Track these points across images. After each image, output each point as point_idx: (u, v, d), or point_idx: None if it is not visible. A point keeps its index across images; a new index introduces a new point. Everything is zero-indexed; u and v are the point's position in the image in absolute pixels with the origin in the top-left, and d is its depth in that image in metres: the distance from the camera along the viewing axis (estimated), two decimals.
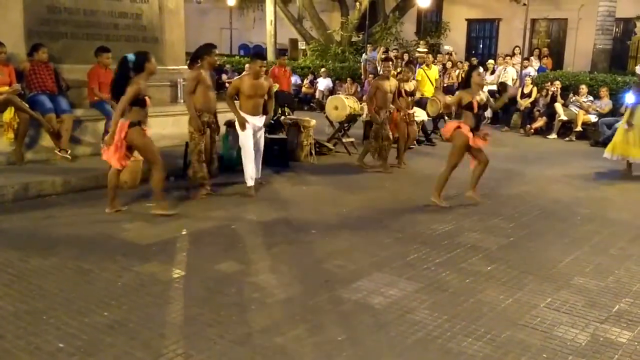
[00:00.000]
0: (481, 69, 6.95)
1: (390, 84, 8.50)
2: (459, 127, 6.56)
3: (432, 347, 3.57)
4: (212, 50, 6.72)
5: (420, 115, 10.88)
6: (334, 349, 3.52)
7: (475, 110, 6.52)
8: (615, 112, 12.18)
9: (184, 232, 5.56)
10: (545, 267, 4.96)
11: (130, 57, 5.81)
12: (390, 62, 8.84)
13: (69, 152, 7.52)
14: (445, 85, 15.26)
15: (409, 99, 9.07)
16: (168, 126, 8.80)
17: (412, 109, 9.19)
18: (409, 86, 9.07)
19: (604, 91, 12.62)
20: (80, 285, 4.29)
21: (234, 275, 4.58)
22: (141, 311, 3.89)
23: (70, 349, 3.38)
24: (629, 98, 11.85)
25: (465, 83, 6.75)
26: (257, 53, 7.94)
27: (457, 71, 15.91)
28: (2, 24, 7.63)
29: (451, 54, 17.49)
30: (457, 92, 6.80)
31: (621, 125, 8.94)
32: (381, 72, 9.31)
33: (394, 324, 3.84)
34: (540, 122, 13.34)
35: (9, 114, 7.07)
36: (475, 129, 6.57)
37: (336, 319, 3.92)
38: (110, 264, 4.68)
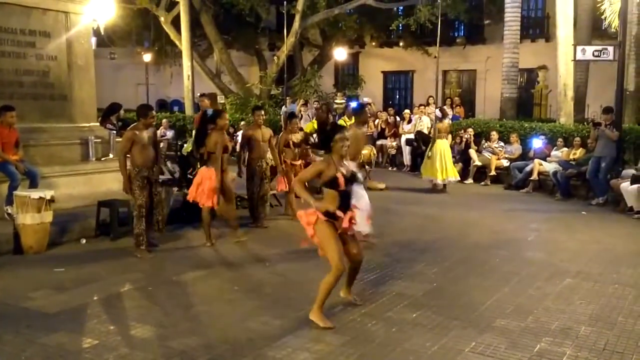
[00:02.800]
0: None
1: (263, 133, 8.25)
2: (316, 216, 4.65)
3: None
4: (148, 112, 6.74)
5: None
6: None
7: (342, 186, 4.62)
8: (525, 156, 12.78)
9: (95, 298, 5.22)
10: (468, 311, 4.97)
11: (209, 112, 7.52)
12: (263, 112, 8.57)
13: None
14: (366, 135, 15.55)
15: (296, 150, 8.93)
16: (79, 185, 8.40)
17: (298, 160, 8.98)
18: (296, 137, 8.99)
19: (514, 137, 13.22)
20: None
21: (151, 340, 4.31)
22: None
23: None
24: (536, 143, 12.56)
25: (323, 145, 4.78)
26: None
27: (377, 121, 16.31)
28: None
29: (370, 105, 17.94)
30: (313, 163, 5.08)
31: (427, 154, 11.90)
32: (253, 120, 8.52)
33: None
34: (456, 168, 13.75)
35: None
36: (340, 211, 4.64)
37: None
38: (12, 337, 4.32)
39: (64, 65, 8.83)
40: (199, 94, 10.43)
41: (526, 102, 19.83)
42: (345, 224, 4.65)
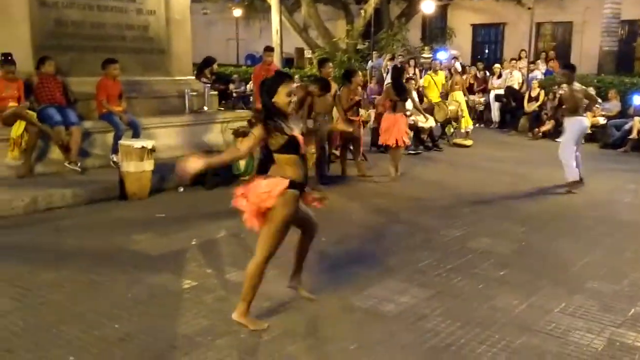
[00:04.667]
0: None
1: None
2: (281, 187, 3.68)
3: (445, 354, 3.52)
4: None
5: (428, 121, 10.85)
6: (345, 358, 3.48)
7: (302, 149, 3.80)
8: (624, 113, 12.11)
9: (193, 243, 5.54)
10: (558, 271, 4.90)
11: None
12: (331, 64, 8.81)
13: (79, 164, 7.54)
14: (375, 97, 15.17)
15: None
16: (176, 136, 8.82)
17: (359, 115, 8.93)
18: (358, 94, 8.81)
19: (612, 93, 12.55)
20: (90, 297, 4.27)
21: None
22: (152, 323, 3.87)
23: None
24: (637, 100, 11.84)
25: (267, 113, 3.71)
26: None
27: (465, 76, 15.88)
28: (10, 38, 7.68)
29: (457, 59, 17.46)
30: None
31: None
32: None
33: (406, 331, 3.80)
34: (548, 126, 13.21)
35: (17, 129, 7.10)
36: (301, 185, 3.80)
37: (347, 327, 3.88)
38: (120, 276, 4.67)
39: (162, 20, 9.17)
40: (264, 47, 10.50)
41: (627, 56, 18.62)
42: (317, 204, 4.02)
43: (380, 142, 8.92)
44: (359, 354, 3.52)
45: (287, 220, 3.73)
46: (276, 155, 3.74)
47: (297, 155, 3.74)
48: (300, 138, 3.77)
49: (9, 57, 7.32)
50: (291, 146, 3.69)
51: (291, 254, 4.23)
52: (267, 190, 3.63)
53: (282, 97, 3.67)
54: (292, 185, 3.68)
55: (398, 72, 8.98)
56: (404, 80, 9.08)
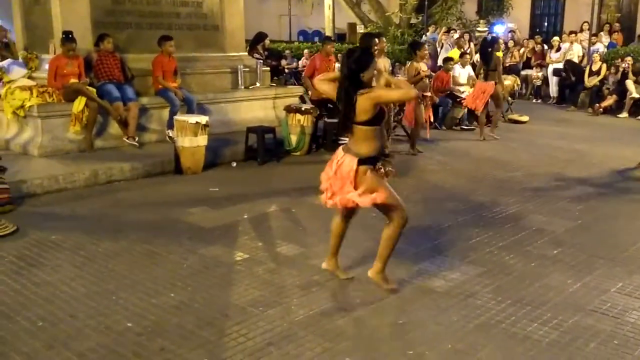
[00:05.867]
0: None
1: (384, 63, 7.71)
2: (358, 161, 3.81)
3: (495, 331, 3.50)
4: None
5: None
6: (394, 332, 3.51)
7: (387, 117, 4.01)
8: None
9: (245, 216, 5.65)
10: (616, 251, 4.77)
11: None
12: (383, 39, 8.41)
13: (136, 139, 7.74)
14: (508, 65, 14.82)
15: (426, 80, 8.52)
16: (229, 112, 8.94)
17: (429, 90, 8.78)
18: (423, 66, 8.48)
19: None
20: (147, 267, 4.42)
21: (295, 258, 4.62)
22: (206, 292, 3.99)
23: (138, 328, 3.51)
24: None
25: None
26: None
27: (522, 50, 15.43)
28: (70, 15, 7.90)
29: (514, 32, 16.95)
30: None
31: None
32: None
33: (456, 308, 3.79)
34: (610, 101, 12.77)
35: (78, 105, 7.34)
36: (375, 159, 3.88)
37: (397, 302, 3.90)
38: (176, 247, 4.81)
39: None
40: (324, 37, 10.33)
41: None
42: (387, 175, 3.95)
43: (469, 106, 10.22)
44: (407, 328, 3.53)
45: (378, 183, 3.81)
46: (358, 127, 3.77)
47: (379, 127, 3.83)
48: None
49: (70, 35, 7.55)
50: (378, 117, 3.79)
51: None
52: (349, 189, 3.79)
53: (370, 73, 3.79)
54: (362, 161, 3.77)
55: (487, 44, 10.10)
56: (492, 52, 9.85)
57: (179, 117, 7.31)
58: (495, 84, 9.63)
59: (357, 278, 4.23)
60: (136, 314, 3.67)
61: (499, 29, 17.68)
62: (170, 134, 7.69)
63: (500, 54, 12.48)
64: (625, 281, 4.18)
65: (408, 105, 8.39)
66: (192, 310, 3.74)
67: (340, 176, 3.83)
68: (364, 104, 3.71)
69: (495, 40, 10.61)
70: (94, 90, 7.58)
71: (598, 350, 3.30)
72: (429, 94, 8.64)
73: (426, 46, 9.42)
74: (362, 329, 3.54)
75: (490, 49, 9.82)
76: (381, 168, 3.91)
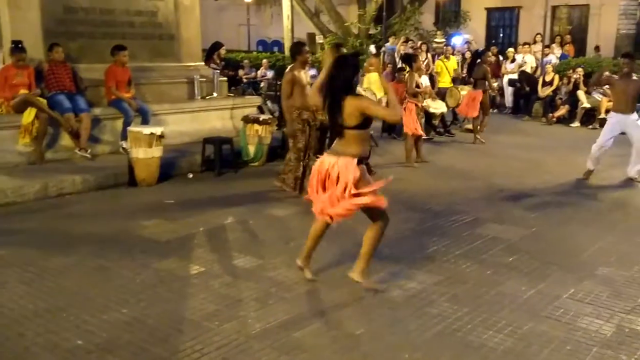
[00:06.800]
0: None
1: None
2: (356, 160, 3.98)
3: (452, 340, 3.51)
4: (302, 48, 6.66)
5: (439, 106, 10.76)
6: (352, 343, 3.48)
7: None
8: None
9: (201, 229, 5.55)
10: (568, 258, 4.86)
11: None
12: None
13: (88, 150, 7.57)
14: (464, 76, 15.08)
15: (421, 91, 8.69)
16: (185, 122, 8.82)
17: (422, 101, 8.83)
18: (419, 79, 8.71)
19: None
20: (99, 282, 4.30)
21: (252, 271, 4.56)
22: (159, 308, 3.89)
23: (89, 346, 3.39)
24: None
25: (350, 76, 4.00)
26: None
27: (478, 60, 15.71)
28: (20, 24, 7.70)
29: (470, 44, 17.26)
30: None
31: None
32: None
33: (413, 317, 3.79)
34: (562, 111, 13.10)
35: (28, 116, 7.13)
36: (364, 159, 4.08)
37: (355, 313, 3.88)
38: (129, 261, 4.69)
39: (171, 5, 9.13)
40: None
41: None
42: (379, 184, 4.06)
43: (462, 113, 11.28)
44: (365, 339, 3.52)
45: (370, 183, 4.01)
46: (349, 131, 3.92)
47: (367, 130, 4.01)
48: None
49: (20, 45, 7.34)
50: (367, 122, 3.95)
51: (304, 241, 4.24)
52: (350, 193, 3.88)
53: (358, 77, 4.20)
54: (359, 161, 3.95)
55: (477, 56, 11.03)
56: (480, 63, 10.58)
57: (133, 128, 7.18)
58: (484, 92, 10.33)
59: (314, 290, 4.20)
60: (87, 331, 3.55)
61: (457, 40, 17.99)
62: (124, 145, 7.54)
63: (453, 64, 12.75)
64: (577, 287, 4.26)
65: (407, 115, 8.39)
66: (144, 326, 3.64)
67: (344, 177, 3.88)
68: (350, 109, 3.85)
69: (483, 52, 11.22)
70: (45, 101, 7.39)
71: (551, 356, 3.34)
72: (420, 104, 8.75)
73: (420, 57, 9.82)
74: (319, 341, 3.50)
75: (479, 60, 10.60)
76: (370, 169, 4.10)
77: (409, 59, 8.92)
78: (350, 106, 3.86)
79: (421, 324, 3.69)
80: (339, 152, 3.95)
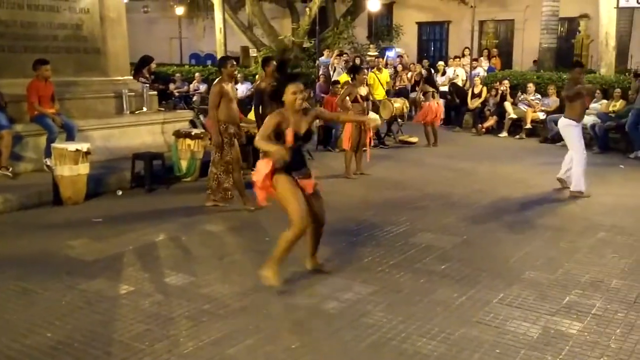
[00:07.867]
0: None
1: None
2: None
3: (386, 349, 3.52)
4: (228, 61, 6.60)
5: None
6: (287, 357, 3.43)
7: (290, 141, 4.22)
8: (562, 108, 12.46)
9: (130, 247, 5.38)
10: (497, 263, 4.99)
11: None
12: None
13: (10, 169, 7.26)
14: (397, 88, 15.37)
15: (364, 104, 8.79)
16: (114, 138, 8.58)
17: (367, 114, 8.91)
18: (363, 91, 8.84)
19: (551, 89, 12.89)
20: (22, 306, 4.10)
21: (185, 288, 4.44)
22: (86, 330, 3.74)
23: None
24: None
25: (274, 95, 4.42)
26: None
27: (410, 74, 16.06)
28: None
29: (402, 57, 17.65)
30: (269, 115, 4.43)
31: None
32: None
33: (349, 328, 3.78)
34: (491, 121, 13.54)
35: None
36: (292, 168, 4.34)
37: (290, 326, 3.85)
38: (54, 283, 4.49)
39: (97, 18, 8.90)
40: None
41: (566, 52, 19.18)
42: (308, 189, 4.42)
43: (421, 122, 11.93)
44: (301, 352, 3.48)
45: (287, 191, 4.32)
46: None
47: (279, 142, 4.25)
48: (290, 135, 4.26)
49: None
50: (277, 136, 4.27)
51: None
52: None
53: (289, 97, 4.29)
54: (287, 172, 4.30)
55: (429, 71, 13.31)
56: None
57: (57, 145, 6.92)
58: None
59: (248, 305, 4.14)
60: (9, 358, 3.38)
61: (390, 54, 18.35)
62: (48, 163, 7.24)
63: (386, 77, 13.02)
64: (506, 292, 4.37)
65: (348, 129, 8.49)
66: (71, 349, 3.49)
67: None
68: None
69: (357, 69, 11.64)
70: None
71: None
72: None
73: (364, 70, 10.16)
74: (254, 357, 3.44)
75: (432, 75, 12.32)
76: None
77: (354, 70, 9.00)
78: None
79: (357, 335, 3.68)
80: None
